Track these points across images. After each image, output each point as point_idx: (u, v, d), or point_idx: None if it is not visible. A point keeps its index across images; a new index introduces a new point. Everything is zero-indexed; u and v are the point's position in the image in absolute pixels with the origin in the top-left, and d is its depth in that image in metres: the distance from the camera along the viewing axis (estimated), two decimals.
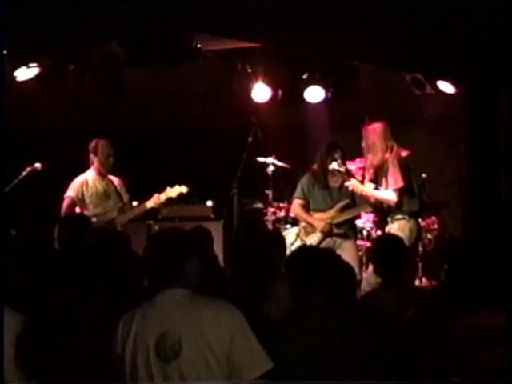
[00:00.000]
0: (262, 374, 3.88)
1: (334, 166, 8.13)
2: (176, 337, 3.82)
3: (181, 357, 3.80)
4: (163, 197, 8.32)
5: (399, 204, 7.99)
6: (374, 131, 8.15)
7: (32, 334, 3.76)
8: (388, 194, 8.01)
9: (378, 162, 8.08)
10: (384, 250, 5.69)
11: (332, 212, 8.22)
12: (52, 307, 4.53)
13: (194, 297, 3.93)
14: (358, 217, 8.76)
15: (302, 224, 8.41)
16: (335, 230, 8.18)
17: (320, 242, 8.17)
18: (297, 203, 8.38)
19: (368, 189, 8.14)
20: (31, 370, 3.77)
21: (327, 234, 8.18)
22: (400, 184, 7.96)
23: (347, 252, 7.86)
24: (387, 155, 8.05)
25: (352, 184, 8.13)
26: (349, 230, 8.26)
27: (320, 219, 8.19)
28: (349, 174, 8.21)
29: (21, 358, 3.69)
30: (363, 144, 8.23)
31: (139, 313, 3.92)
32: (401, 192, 7.98)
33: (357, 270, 7.28)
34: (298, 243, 8.31)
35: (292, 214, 8.97)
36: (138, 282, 4.89)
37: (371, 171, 8.20)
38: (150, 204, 8.33)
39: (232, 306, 3.97)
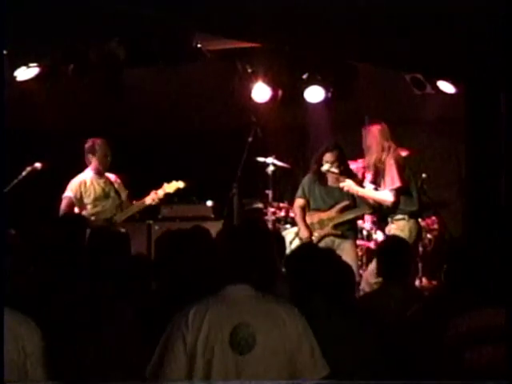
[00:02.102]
0: (320, 378, 3.87)
1: (325, 167, 8.17)
2: (250, 329, 3.78)
3: (254, 350, 3.77)
4: (161, 193, 8.33)
5: (396, 204, 8.00)
6: (371, 132, 8.17)
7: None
8: (384, 194, 8.01)
9: (374, 162, 8.10)
10: (390, 251, 5.69)
11: (332, 212, 8.23)
12: (52, 307, 4.53)
13: (260, 293, 3.93)
14: (360, 218, 8.76)
15: None
16: (332, 231, 8.19)
17: (318, 241, 8.19)
18: (297, 203, 8.42)
19: (363, 189, 8.15)
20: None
21: (326, 232, 8.21)
22: (397, 184, 7.96)
23: (346, 252, 7.87)
24: (384, 156, 8.05)
25: (347, 185, 8.14)
26: (348, 230, 8.27)
27: (306, 229, 8.24)
28: (345, 175, 8.21)
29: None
30: (364, 144, 8.25)
31: (211, 305, 3.85)
32: (397, 192, 7.98)
33: (356, 271, 7.29)
34: (297, 242, 8.33)
35: (292, 214, 8.99)
36: (140, 281, 4.89)
37: (371, 171, 8.21)
38: (148, 200, 8.34)
39: (296, 308, 3.96)
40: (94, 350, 4.38)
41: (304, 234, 8.26)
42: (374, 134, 8.14)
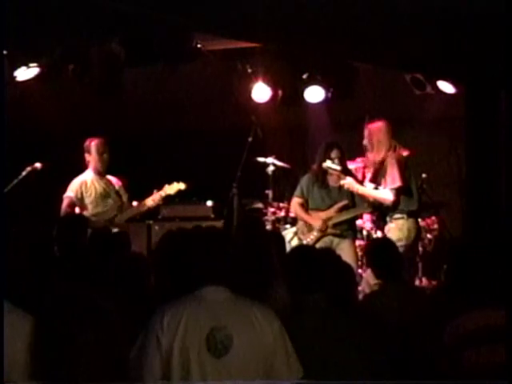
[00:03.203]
0: (295, 380, 3.88)
1: (328, 164, 8.15)
2: (227, 332, 3.78)
3: (231, 352, 3.76)
4: (162, 194, 8.33)
5: (396, 203, 8.00)
6: (379, 129, 8.15)
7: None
8: (384, 193, 8.01)
9: (380, 159, 8.08)
10: (376, 254, 5.74)
11: (330, 212, 8.23)
12: (52, 307, 4.53)
13: (236, 295, 3.92)
14: (359, 217, 8.76)
15: (300, 223, 8.44)
16: (331, 230, 8.19)
17: (317, 240, 8.19)
18: (295, 202, 8.41)
19: (364, 188, 8.15)
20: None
21: (325, 232, 8.20)
22: (397, 183, 7.96)
23: (345, 252, 7.86)
24: (389, 153, 8.05)
25: (347, 183, 8.14)
26: (347, 230, 8.26)
27: (317, 217, 8.21)
28: (346, 173, 8.21)
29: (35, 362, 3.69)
30: (365, 142, 8.23)
31: (186, 307, 3.84)
32: (398, 191, 7.98)
33: (355, 270, 7.29)
34: (296, 241, 8.33)
35: (292, 214, 8.98)
36: (140, 281, 4.89)
37: (372, 170, 8.21)
38: (149, 202, 8.34)
39: (271, 309, 3.96)
40: (96, 350, 4.37)
41: (317, 223, 8.20)
42: (382, 130, 8.12)
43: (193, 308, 3.84)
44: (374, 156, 8.15)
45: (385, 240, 6.64)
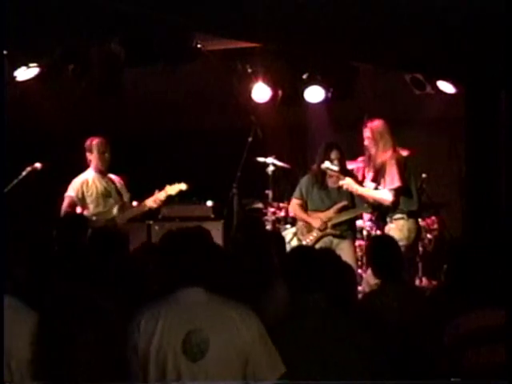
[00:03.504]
0: (276, 378, 3.87)
1: (326, 164, 8.16)
2: (203, 335, 3.77)
3: (207, 356, 3.76)
4: (163, 195, 8.32)
5: (395, 203, 8.00)
6: (381, 126, 8.13)
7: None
8: (384, 193, 8.01)
9: (382, 158, 8.05)
10: (377, 253, 5.72)
11: (330, 213, 8.23)
12: (52, 307, 4.53)
13: (214, 296, 3.90)
14: (359, 217, 8.76)
15: (300, 223, 8.44)
16: (330, 231, 8.19)
17: (317, 241, 8.19)
18: (294, 203, 8.42)
19: (363, 188, 8.15)
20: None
21: (324, 232, 8.20)
22: (397, 184, 7.96)
23: (345, 252, 7.87)
24: (389, 153, 8.04)
25: (346, 183, 8.13)
26: (346, 230, 8.26)
27: (317, 218, 8.21)
28: (345, 174, 8.21)
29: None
30: (367, 142, 8.21)
31: (163, 310, 3.84)
32: (397, 192, 7.98)
33: (355, 271, 7.29)
34: (295, 242, 8.34)
35: (292, 214, 8.98)
36: (140, 281, 4.89)
37: (372, 170, 8.20)
38: (149, 202, 8.33)
39: (250, 308, 3.95)
40: (96, 350, 4.37)
41: (317, 223, 8.21)
42: (384, 127, 8.11)
43: (170, 310, 3.84)
44: (379, 154, 8.10)
45: (386, 238, 6.61)
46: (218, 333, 3.79)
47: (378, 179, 8.10)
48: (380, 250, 5.74)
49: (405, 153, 8.50)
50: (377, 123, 8.17)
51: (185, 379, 3.74)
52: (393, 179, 7.96)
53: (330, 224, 8.22)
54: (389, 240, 6.16)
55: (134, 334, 3.81)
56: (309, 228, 8.31)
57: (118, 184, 8.49)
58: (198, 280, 3.90)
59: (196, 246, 3.99)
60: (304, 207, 8.37)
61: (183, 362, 3.75)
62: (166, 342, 3.77)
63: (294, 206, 8.46)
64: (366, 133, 8.18)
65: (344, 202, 8.26)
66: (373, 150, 8.13)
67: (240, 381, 3.81)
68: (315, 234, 8.24)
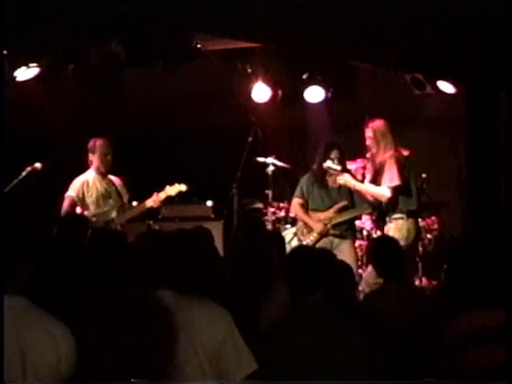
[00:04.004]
0: (246, 375, 3.89)
1: (328, 164, 8.16)
2: None
3: (177, 358, 3.77)
4: (162, 195, 8.33)
5: (393, 201, 7.99)
6: (383, 126, 8.14)
7: None
8: (381, 189, 8.01)
9: (382, 157, 8.05)
10: (380, 252, 5.72)
11: (330, 213, 8.23)
12: (51, 307, 4.53)
13: (182, 297, 3.91)
14: (358, 218, 8.76)
15: (300, 223, 8.45)
16: (330, 231, 8.19)
17: (317, 241, 8.19)
18: (296, 202, 8.42)
19: (361, 184, 8.15)
20: None
21: (324, 234, 8.21)
22: (395, 182, 7.96)
23: (345, 253, 7.89)
24: (391, 152, 8.04)
25: (344, 179, 8.13)
26: (346, 230, 8.26)
27: (318, 221, 8.21)
28: (344, 173, 8.21)
29: None
30: (368, 141, 8.21)
31: None
32: (395, 190, 7.97)
33: (355, 271, 7.28)
34: (295, 242, 8.34)
35: (292, 214, 8.98)
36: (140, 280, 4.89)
37: (372, 170, 8.20)
38: (149, 203, 8.34)
39: (220, 306, 3.96)
40: (95, 350, 4.37)
41: (318, 226, 8.21)
42: (387, 127, 8.12)
43: None
44: (380, 154, 8.10)
45: (388, 238, 6.62)
46: (183, 334, 3.78)
47: (377, 179, 8.10)
48: (381, 250, 5.75)
49: (405, 153, 8.50)
50: (379, 123, 8.18)
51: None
52: (392, 177, 7.96)
53: (330, 225, 8.22)
54: (390, 240, 6.18)
55: None
56: (309, 228, 8.31)
57: (117, 185, 8.50)
58: (168, 282, 3.91)
59: (173, 248, 4.01)
60: (305, 206, 8.37)
61: None
62: None
63: (295, 206, 8.46)
64: (368, 133, 8.18)
65: (344, 202, 8.26)
66: (374, 150, 8.14)
67: (213, 378, 3.82)
68: (315, 234, 8.24)
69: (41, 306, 4.49)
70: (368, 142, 8.20)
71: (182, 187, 8.39)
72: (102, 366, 4.34)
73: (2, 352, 3.53)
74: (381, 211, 8.23)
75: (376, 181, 8.10)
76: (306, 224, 8.34)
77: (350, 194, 8.27)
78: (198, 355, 3.81)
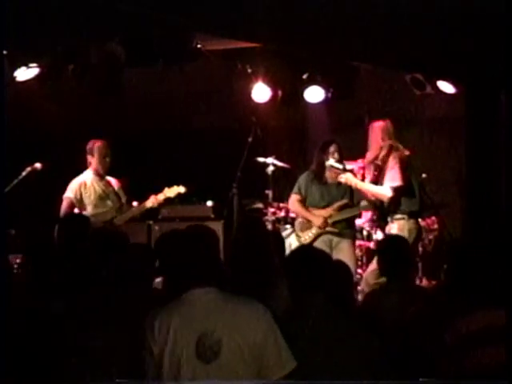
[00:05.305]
0: (287, 373, 3.90)
1: (331, 162, 8.15)
2: (215, 337, 3.80)
3: (220, 357, 3.79)
4: (161, 197, 8.34)
5: (394, 201, 7.98)
6: (373, 129, 8.16)
7: None
8: (383, 189, 8.00)
9: (372, 159, 8.08)
10: (390, 250, 5.70)
11: (329, 210, 8.22)
12: (50, 307, 4.53)
13: (225, 295, 3.93)
14: (358, 217, 8.76)
15: (299, 219, 8.43)
16: (329, 228, 8.17)
17: (315, 238, 8.18)
18: (294, 199, 8.39)
19: (362, 183, 8.14)
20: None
21: (323, 230, 8.19)
22: (397, 182, 7.95)
23: (344, 252, 7.88)
24: (383, 154, 8.04)
25: (345, 177, 8.13)
26: (345, 229, 8.24)
27: (318, 215, 8.20)
28: (347, 171, 8.21)
29: None
30: (371, 141, 8.21)
31: (176, 311, 3.87)
32: (397, 190, 7.96)
33: (354, 270, 7.29)
34: (293, 238, 8.33)
35: (292, 214, 8.97)
36: (140, 281, 4.89)
37: (373, 169, 8.19)
38: (148, 204, 8.35)
39: (261, 304, 3.97)
40: (95, 349, 4.38)
41: (318, 221, 8.20)
42: (375, 131, 8.14)
43: (182, 313, 3.87)
44: (368, 155, 8.15)
45: (397, 237, 6.60)
46: (230, 333, 3.82)
47: (378, 179, 8.09)
48: (391, 248, 5.73)
49: (406, 152, 8.50)
50: (382, 123, 8.17)
51: (198, 380, 3.77)
52: (394, 178, 7.96)
53: (329, 222, 8.21)
54: (400, 239, 6.15)
55: (148, 335, 3.85)
56: (308, 224, 8.29)
57: (115, 186, 8.51)
58: (209, 280, 3.91)
59: (207, 246, 4.01)
60: (303, 203, 8.35)
61: (197, 365, 3.79)
62: (180, 346, 3.80)
63: (293, 203, 8.42)
64: (372, 133, 8.18)
65: (345, 200, 8.25)
66: (377, 150, 8.13)
67: (254, 377, 3.83)
68: (314, 231, 8.23)
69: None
70: (370, 142, 8.19)
71: (181, 189, 8.40)
72: (102, 366, 4.35)
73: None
74: (382, 211, 8.22)
75: (377, 181, 8.10)
76: (305, 219, 8.31)
77: (350, 191, 8.26)
78: (243, 352, 3.82)
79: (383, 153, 8.08)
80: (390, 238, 6.87)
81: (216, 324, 3.82)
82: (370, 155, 8.17)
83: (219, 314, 3.86)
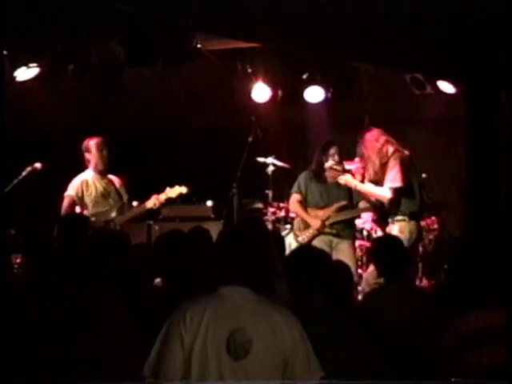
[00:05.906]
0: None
1: (330, 163, 8.16)
2: (247, 335, 3.77)
3: (250, 355, 3.76)
4: (163, 197, 8.33)
5: (394, 202, 7.97)
6: (363, 142, 8.15)
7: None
8: (383, 190, 8.00)
9: (383, 160, 8.05)
10: (381, 252, 5.71)
11: (328, 211, 8.22)
12: (52, 306, 4.53)
13: (258, 296, 3.91)
14: (358, 217, 8.76)
15: (298, 219, 8.44)
16: (328, 229, 8.18)
17: (313, 237, 8.19)
18: (294, 198, 8.40)
19: (362, 184, 8.14)
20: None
21: (321, 231, 8.20)
22: (397, 183, 7.94)
23: (344, 253, 7.89)
24: (393, 154, 8.02)
25: (345, 179, 8.13)
26: (344, 230, 8.24)
27: (315, 217, 8.20)
28: (347, 172, 8.21)
29: None
30: (365, 153, 8.21)
31: (209, 307, 3.83)
32: (397, 191, 7.95)
33: (354, 270, 7.28)
34: (291, 237, 8.34)
35: (292, 214, 8.98)
36: (140, 280, 4.89)
37: (372, 170, 8.18)
38: (149, 204, 8.34)
39: (291, 312, 3.96)
40: (95, 349, 4.38)
41: (316, 224, 8.20)
42: (365, 145, 8.12)
43: (215, 308, 3.83)
44: (366, 165, 8.15)
45: (390, 238, 6.61)
46: (260, 333, 3.79)
47: (379, 179, 8.08)
48: (384, 248, 5.73)
49: (407, 153, 8.50)
50: (366, 137, 8.15)
51: (225, 377, 3.75)
52: (394, 178, 7.95)
53: (327, 223, 8.21)
54: (394, 239, 6.16)
55: (180, 328, 3.78)
56: (306, 225, 8.30)
57: (117, 185, 8.50)
58: (243, 279, 3.91)
59: (246, 245, 4.02)
60: (303, 203, 8.35)
61: (225, 361, 3.75)
62: (210, 340, 3.76)
63: (293, 203, 8.43)
64: (363, 145, 8.15)
65: (344, 202, 8.25)
66: (369, 161, 8.12)
67: (278, 381, 3.81)
68: (312, 231, 8.23)
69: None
70: (360, 152, 8.20)
71: (183, 189, 8.39)
72: (103, 366, 4.34)
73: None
74: (382, 212, 8.22)
75: (378, 181, 8.09)
76: (303, 220, 8.32)
77: (349, 191, 8.26)
78: (272, 354, 3.79)
79: (382, 159, 8.05)
80: (382, 239, 6.88)
81: (248, 322, 3.79)
82: (369, 166, 8.13)
83: (252, 313, 3.83)
